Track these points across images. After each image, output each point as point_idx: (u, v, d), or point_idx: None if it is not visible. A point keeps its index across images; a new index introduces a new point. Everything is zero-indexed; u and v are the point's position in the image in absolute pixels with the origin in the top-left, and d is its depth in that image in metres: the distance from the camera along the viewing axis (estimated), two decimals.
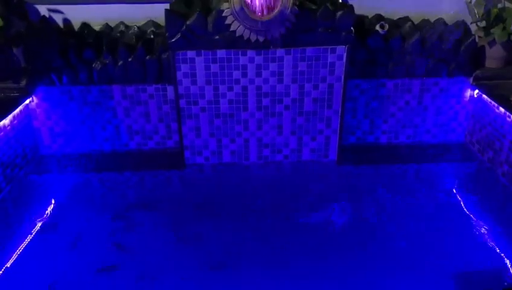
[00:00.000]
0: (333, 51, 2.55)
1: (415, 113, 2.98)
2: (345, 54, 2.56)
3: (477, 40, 2.89)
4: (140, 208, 2.52)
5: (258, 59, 2.53)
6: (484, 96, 2.80)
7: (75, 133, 2.96)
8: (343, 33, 2.50)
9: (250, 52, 2.52)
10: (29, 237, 2.30)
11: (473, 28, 2.91)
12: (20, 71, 2.74)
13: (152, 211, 2.48)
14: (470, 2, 2.78)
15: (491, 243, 2.21)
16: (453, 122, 3.01)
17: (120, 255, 2.18)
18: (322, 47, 2.53)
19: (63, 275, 2.06)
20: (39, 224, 2.40)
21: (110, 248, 2.22)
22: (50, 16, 2.91)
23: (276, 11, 2.33)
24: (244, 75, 2.58)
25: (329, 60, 2.57)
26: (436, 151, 3.00)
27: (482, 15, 2.83)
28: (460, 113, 2.99)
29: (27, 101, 2.81)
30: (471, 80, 2.89)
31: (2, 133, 2.57)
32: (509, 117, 2.53)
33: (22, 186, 2.71)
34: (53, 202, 2.59)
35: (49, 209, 2.53)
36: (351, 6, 2.54)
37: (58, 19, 2.94)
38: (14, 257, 2.16)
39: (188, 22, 2.47)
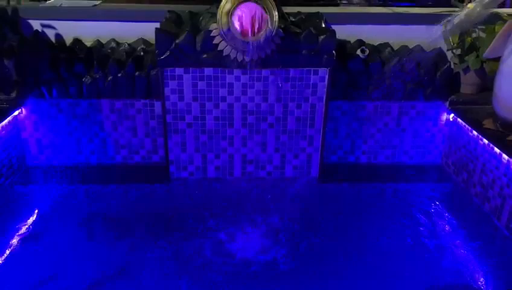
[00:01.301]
0: (316, 72, 2.67)
1: (393, 135, 3.10)
2: (327, 76, 2.68)
3: (453, 66, 3.05)
4: (120, 219, 2.56)
5: (244, 78, 2.64)
6: (459, 120, 2.94)
7: (62, 145, 3.00)
8: (325, 56, 2.62)
9: (236, 71, 2.62)
10: (10, 247, 2.32)
11: (449, 55, 3.07)
12: (11, 83, 2.80)
13: (133, 223, 2.52)
14: (447, 31, 2.94)
15: (463, 260, 2.30)
16: (430, 145, 3.14)
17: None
18: (305, 68, 2.65)
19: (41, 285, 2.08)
20: (21, 232, 2.42)
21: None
22: (43, 31, 2.99)
23: (262, 33, 2.44)
24: (230, 93, 2.68)
25: (311, 81, 2.68)
26: (413, 172, 3.11)
27: (458, 43, 3.00)
28: (436, 135, 3.11)
29: (16, 113, 2.86)
30: (447, 104, 3.03)
31: None
32: (482, 140, 2.66)
33: (7, 195, 2.73)
34: (36, 212, 2.62)
35: (32, 219, 2.55)
36: (333, 31, 2.67)
37: (50, 33, 3.02)
38: None
39: (177, 41, 2.57)
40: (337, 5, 4.02)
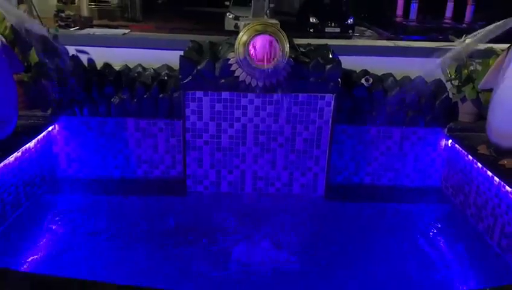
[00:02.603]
0: (322, 98, 2.93)
1: (395, 158, 3.31)
2: (333, 101, 2.93)
3: (451, 96, 3.28)
4: (138, 226, 2.80)
5: (257, 101, 2.91)
6: (457, 145, 3.15)
7: (89, 160, 3.28)
8: (331, 83, 2.89)
9: (250, 95, 2.90)
10: (38, 247, 2.58)
11: (448, 85, 3.31)
12: (47, 102, 3.11)
13: (151, 230, 2.77)
14: (445, 64, 3.19)
15: (455, 272, 2.48)
16: (430, 168, 3.34)
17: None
18: (312, 94, 2.91)
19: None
20: (49, 235, 2.68)
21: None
22: (77, 56, 3.32)
23: (274, 62, 2.72)
24: (244, 114, 2.94)
25: (318, 106, 2.94)
26: (414, 193, 3.31)
27: (456, 75, 3.24)
28: (436, 160, 3.32)
29: (50, 128, 3.16)
30: (445, 130, 3.25)
31: (27, 154, 2.89)
32: (476, 164, 2.86)
33: (38, 203, 3.00)
34: (63, 218, 2.88)
35: (59, 223, 2.82)
36: (339, 61, 2.94)
37: (84, 58, 3.35)
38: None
39: (198, 67, 2.87)
40: (350, 37, 4.32)
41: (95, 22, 14.12)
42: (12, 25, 2.79)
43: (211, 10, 21.33)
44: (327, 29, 15.93)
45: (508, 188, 2.53)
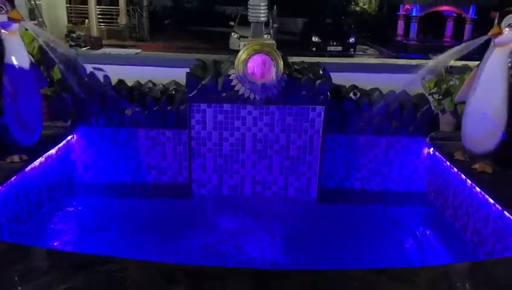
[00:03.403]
0: (313, 109, 3.27)
1: (382, 165, 3.62)
2: (323, 112, 3.27)
3: (433, 108, 3.60)
4: (148, 225, 3.12)
5: (255, 112, 3.25)
6: (437, 153, 3.46)
7: (103, 166, 3.62)
8: (321, 96, 3.23)
9: (249, 107, 3.24)
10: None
11: (431, 99, 3.63)
12: (67, 114, 3.47)
13: (158, 228, 3.09)
14: (424, 79, 3.53)
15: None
16: (415, 174, 3.64)
17: None
18: (304, 106, 3.26)
19: None
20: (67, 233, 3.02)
21: None
22: (94, 73, 3.69)
23: (269, 77, 3.07)
24: (244, 124, 3.29)
25: (310, 117, 3.28)
26: (400, 197, 3.61)
27: (436, 89, 3.58)
28: (420, 166, 3.63)
29: (69, 138, 3.51)
30: (428, 139, 3.56)
31: (49, 160, 3.24)
32: (453, 169, 3.17)
33: (58, 205, 3.33)
34: (80, 218, 3.22)
35: (76, 223, 3.15)
36: (329, 77, 3.29)
37: (100, 75, 3.72)
38: None
39: (203, 82, 3.22)
40: (351, 56, 4.68)
41: (104, 42, 14.64)
42: (40, 46, 3.17)
43: (216, 30, 21.86)
44: (329, 48, 16.38)
45: (477, 189, 2.83)
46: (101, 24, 18.58)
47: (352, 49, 16.62)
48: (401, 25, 20.15)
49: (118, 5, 20.77)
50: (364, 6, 30.49)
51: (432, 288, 1.76)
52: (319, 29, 19.69)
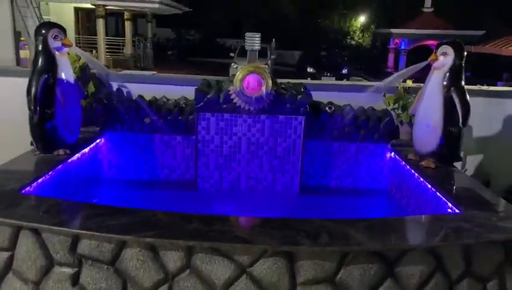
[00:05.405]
0: (296, 119, 4.10)
1: (353, 167, 4.43)
2: (303, 121, 4.10)
3: (394, 120, 4.44)
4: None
5: (249, 120, 4.08)
6: (397, 156, 4.26)
7: (124, 165, 4.41)
8: (302, 108, 4.07)
9: (244, 116, 4.07)
10: None
11: (393, 112, 4.47)
12: (99, 121, 4.29)
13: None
14: (384, 96, 4.39)
15: None
16: (379, 174, 4.44)
17: None
18: (288, 116, 4.09)
19: None
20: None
21: None
22: (120, 88, 4.54)
23: (261, 92, 3.92)
24: (240, 130, 4.11)
25: (293, 124, 4.11)
26: (367, 193, 4.40)
27: (396, 105, 4.42)
28: (384, 168, 4.43)
29: (98, 141, 4.31)
30: (389, 145, 4.38)
31: (83, 157, 4.03)
32: (406, 167, 3.97)
33: (86, 193, 4.09)
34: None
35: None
36: (309, 94, 4.14)
37: (124, 91, 4.57)
38: None
39: (208, 96, 4.06)
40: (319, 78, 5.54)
41: (110, 70, 15.62)
42: (80, 66, 4.03)
43: (216, 61, 22.97)
44: (323, 78, 17.44)
45: (421, 179, 3.62)
46: (108, 53, 19.62)
47: (345, 79, 17.68)
48: (391, 57, 21.36)
49: (124, 36, 21.95)
50: (359, 41, 32.00)
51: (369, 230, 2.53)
52: (313, 61, 20.86)
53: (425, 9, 20.13)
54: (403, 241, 2.55)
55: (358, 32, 31.40)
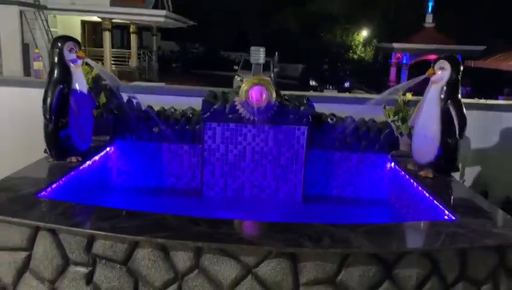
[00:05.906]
0: (299, 129, 4.25)
1: (354, 176, 4.56)
2: (306, 131, 4.25)
3: (395, 131, 4.58)
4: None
5: (254, 130, 4.23)
6: (396, 166, 4.40)
7: (133, 173, 4.56)
8: (304, 119, 4.22)
9: (249, 126, 4.22)
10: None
11: (393, 124, 4.62)
12: (109, 130, 4.45)
13: None
14: (385, 108, 4.54)
15: None
16: (380, 184, 4.57)
17: None
18: (291, 126, 4.24)
19: None
20: None
21: None
22: (130, 99, 4.71)
23: (265, 103, 4.07)
24: (245, 139, 4.25)
25: (296, 134, 4.26)
26: (368, 202, 4.52)
27: (396, 117, 4.57)
28: (384, 177, 4.56)
29: (108, 149, 4.46)
30: (390, 156, 4.52)
31: (94, 164, 4.19)
32: (406, 177, 4.11)
33: (96, 198, 4.23)
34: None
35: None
36: (312, 105, 4.30)
37: (134, 101, 4.73)
38: None
39: (214, 107, 4.23)
40: (322, 91, 5.71)
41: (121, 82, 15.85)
42: (93, 77, 4.21)
43: (220, 73, 23.25)
44: (325, 91, 17.64)
45: (420, 188, 3.76)
46: (113, 65, 19.93)
47: (347, 93, 17.90)
48: (393, 71, 21.59)
49: (129, 49, 22.30)
50: (361, 55, 32.34)
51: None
52: (316, 74, 21.11)
53: (426, 25, 20.43)
54: (400, 244, 2.68)
55: (360, 47, 31.80)
